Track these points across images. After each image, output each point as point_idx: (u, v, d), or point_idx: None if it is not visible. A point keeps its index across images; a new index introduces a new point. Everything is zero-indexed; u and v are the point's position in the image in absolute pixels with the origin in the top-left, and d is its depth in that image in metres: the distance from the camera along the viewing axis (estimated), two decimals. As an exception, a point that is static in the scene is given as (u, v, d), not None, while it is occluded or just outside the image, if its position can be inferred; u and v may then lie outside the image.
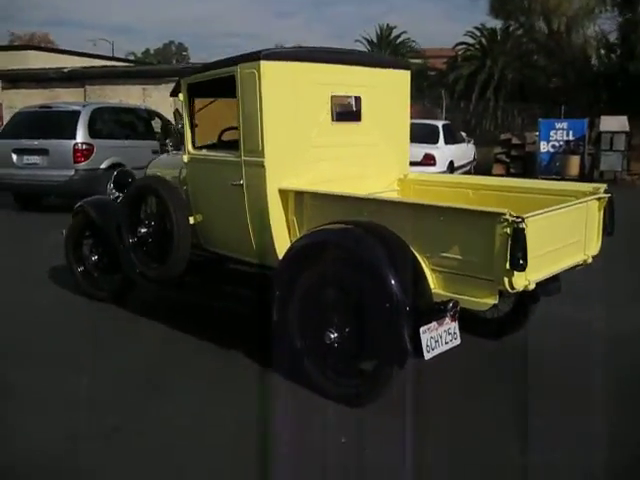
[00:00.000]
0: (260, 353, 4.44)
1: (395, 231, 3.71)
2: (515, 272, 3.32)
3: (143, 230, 5.14)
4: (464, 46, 43.63)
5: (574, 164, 15.48)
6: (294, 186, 4.30)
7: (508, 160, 17.36)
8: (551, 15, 22.97)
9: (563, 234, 3.88)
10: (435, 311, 3.53)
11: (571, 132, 15.94)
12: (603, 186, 4.23)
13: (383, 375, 3.66)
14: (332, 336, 3.82)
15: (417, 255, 3.67)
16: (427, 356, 3.50)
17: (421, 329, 3.47)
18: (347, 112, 4.74)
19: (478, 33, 43.82)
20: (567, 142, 15.79)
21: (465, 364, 4.37)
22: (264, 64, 4.14)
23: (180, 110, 5.03)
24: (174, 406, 3.86)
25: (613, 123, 14.97)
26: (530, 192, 4.51)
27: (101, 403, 3.90)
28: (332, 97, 4.55)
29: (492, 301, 3.45)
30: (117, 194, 6.05)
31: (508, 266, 3.31)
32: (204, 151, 4.95)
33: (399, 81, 5.05)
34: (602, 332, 4.94)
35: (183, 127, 4.96)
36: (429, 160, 12.51)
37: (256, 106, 4.21)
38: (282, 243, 4.35)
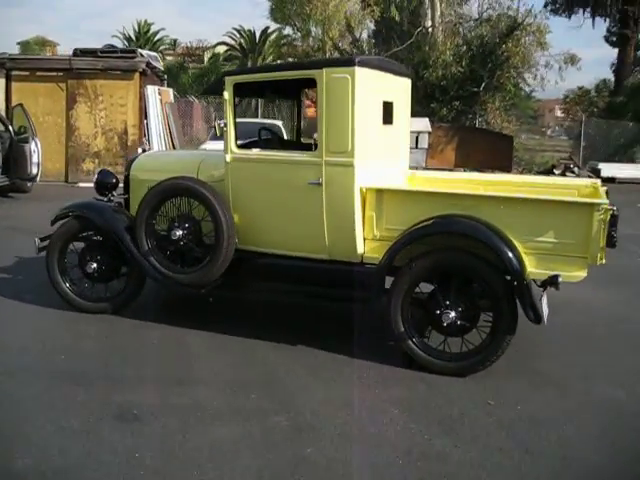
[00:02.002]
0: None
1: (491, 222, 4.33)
2: (605, 249, 4.20)
3: (176, 233, 4.94)
4: (225, 46, 44.94)
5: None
6: (374, 184, 4.65)
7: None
8: (327, 22, 24.82)
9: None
10: (546, 283, 4.24)
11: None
12: (598, 182, 5.34)
13: (501, 346, 4.27)
14: (450, 316, 4.32)
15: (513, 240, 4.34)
16: (545, 321, 4.21)
17: (543, 298, 4.17)
18: (387, 115, 5.17)
19: (237, 35, 45.54)
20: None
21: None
22: (358, 70, 4.43)
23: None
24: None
25: (418, 124, 17.12)
26: (537, 187, 5.43)
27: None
28: (383, 102, 4.98)
29: (584, 274, 4.27)
30: (109, 196, 5.59)
31: (602, 244, 4.17)
32: (256, 151, 4.97)
33: (407, 88, 5.62)
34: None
35: (226, 126, 4.90)
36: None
37: (347, 109, 4.46)
38: (361, 239, 4.67)
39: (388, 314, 4.51)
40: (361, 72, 4.46)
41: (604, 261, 4.26)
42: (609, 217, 4.15)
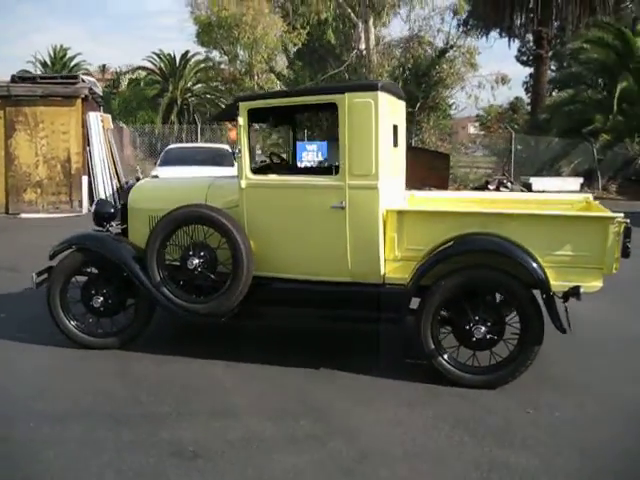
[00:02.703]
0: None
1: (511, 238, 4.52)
2: (619, 259, 4.47)
3: (193, 262, 4.85)
4: (144, 71, 44.29)
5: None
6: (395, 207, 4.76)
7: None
8: (255, 46, 24.93)
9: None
10: (568, 295, 4.45)
11: (320, 153, 18.00)
12: (589, 196, 5.67)
13: (530, 356, 4.44)
14: (481, 330, 4.45)
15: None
16: (569, 331, 4.41)
17: (568, 309, 4.38)
18: (395, 138, 5.29)
19: (157, 59, 45.02)
20: (320, 162, 17.79)
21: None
22: (380, 95, 4.54)
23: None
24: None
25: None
26: (530, 203, 5.70)
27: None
28: (393, 126, 5.10)
29: (600, 284, 4.52)
30: (107, 227, 5.41)
31: (617, 255, 4.43)
32: (272, 176, 4.97)
33: (404, 111, 5.77)
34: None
35: (240, 152, 4.88)
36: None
37: (370, 132, 4.57)
38: (382, 260, 4.75)
39: (418, 333, 4.60)
40: (382, 97, 4.58)
41: (617, 270, 4.53)
42: (623, 229, 4.42)
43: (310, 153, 20.72)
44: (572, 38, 26.72)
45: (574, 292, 4.42)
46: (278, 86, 24.31)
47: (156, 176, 12.96)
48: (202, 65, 38.41)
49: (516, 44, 34.99)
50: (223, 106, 27.01)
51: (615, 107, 19.22)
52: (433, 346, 4.58)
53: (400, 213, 4.76)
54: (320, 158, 21.72)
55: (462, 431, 3.90)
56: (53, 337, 5.30)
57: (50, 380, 4.68)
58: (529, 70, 37.74)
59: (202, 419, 4.02)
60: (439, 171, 19.19)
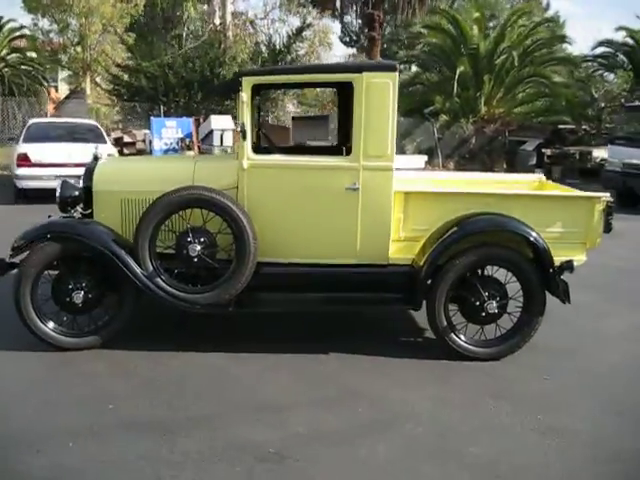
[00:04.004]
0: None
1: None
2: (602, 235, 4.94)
3: (195, 249, 4.48)
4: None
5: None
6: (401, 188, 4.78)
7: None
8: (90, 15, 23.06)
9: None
10: (562, 269, 4.82)
11: (180, 130, 17.23)
12: (542, 176, 6.15)
13: (534, 327, 4.75)
14: (493, 305, 4.67)
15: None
16: (568, 301, 4.79)
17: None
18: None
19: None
20: (181, 139, 17.01)
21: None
22: (396, 75, 4.50)
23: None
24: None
25: (222, 122, 16.97)
26: (498, 183, 6.02)
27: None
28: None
29: (585, 258, 4.97)
30: (72, 213, 4.77)
31: (601, 230, 4.91)
32: (277, 156, 4.71)
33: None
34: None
35: (241, 130, 4.57)
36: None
37: (387, 113, 4.54)
38: (390, 241, 4.78)
39: (432, 312, 4.70)
40: (396, 77, 4.55)
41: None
42: (605, 207, 4.89)
43: (169, 129, 19.78)
44: (407, 22, 28.25)
45: (568, 266, 4.80)
46: (115, 59, 22.72)
47: (24, 154, 11.60)
48: (17, 33, 34.44)
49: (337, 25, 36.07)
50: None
51: (455, 90, 20.73)
52: (446, 323, 4.72)
53: (407, 194, 4.80)
54: (180, 135, 20.89)
55: (503, 402, 4.09)
56: (20, 341, 4.61)
57: (49, 391, 4.04)
58: (352, 51, 39.33)
59: (254, 416, 3.77)
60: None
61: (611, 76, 24.37)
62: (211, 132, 16.92)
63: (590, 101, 21.23)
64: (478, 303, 4.71)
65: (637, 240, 9.73)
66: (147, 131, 17.32)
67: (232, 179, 4.70)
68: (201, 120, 17.96)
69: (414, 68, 26.72)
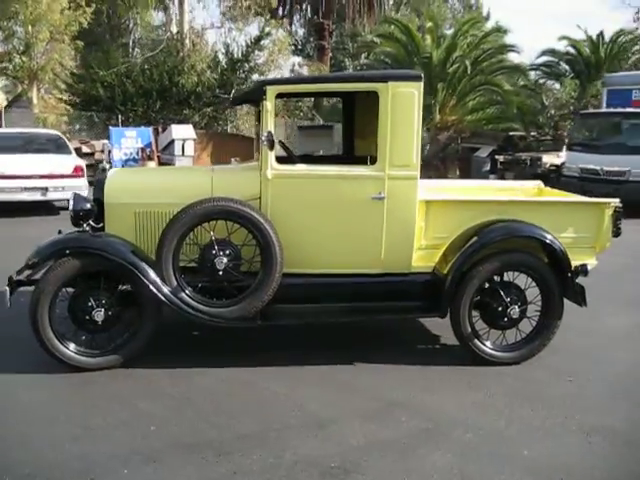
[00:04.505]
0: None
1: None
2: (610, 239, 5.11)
3: (222, 261, 4.38)
4: None
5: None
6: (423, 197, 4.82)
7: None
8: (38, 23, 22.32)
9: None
10: (577, 272, 4.95)
11: (140, 139, 16.87)
12: (541, 184, 6.29)
13: (553, 330, 4.86)
14: (515, 310, 4.75)
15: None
16: (585, 304, 4.91)
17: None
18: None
19: None
20: (141, 149, 16.64)
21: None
22: (421, 85, 4.54)
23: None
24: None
25: (184, 131, 16.70)
26: (499, 190, 6.12)
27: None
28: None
29: (595, 262, 5.12)
30: (84, 227, 4.58)
31: (610, 235, 5.07)
32: (302, 166, 4.66)
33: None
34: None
35: (268, 139, 4.49)
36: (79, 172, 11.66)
37: (412, 123, 4.56)
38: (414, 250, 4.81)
39: (456, 319, 4.74)
40: (422, 87, 4.58)
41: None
42: (614, 212, 5.05)
43: (129, 139, 19.42)
44: (353, 31, 28.55)
45: (583, 269, 4.94)
46: (62, 66, 22.07)
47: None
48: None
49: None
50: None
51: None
52: (470, 330, 4.77)
53: (428, 202, 4.84)
54: (140, 144, 20.56)
55: (538, 404, 4.16)
56: (32, 363, 4.41)
57: (81, 417, 3.84)
58: (298, 59, 39.48)
59: (304, 431, 3.71)
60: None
61: (557, 85, 25.28)
62: (172, 142, 16.65)
63: (541, 108, 21.93)
64: (501, 308, 4.79)
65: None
66: (106, 141, 16.89)
67: (254, 190, 4.62)
68: (160, 129, 17.62)
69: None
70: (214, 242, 4.42)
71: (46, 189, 10.96)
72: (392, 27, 23.17)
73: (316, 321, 4.89)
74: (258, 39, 19.84)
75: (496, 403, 4.19)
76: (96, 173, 4.71)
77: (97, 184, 4.87)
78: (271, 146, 4.48)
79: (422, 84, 4.54)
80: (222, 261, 4.38)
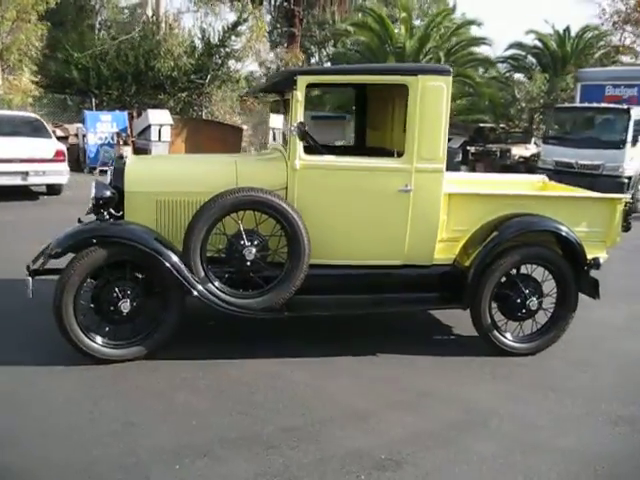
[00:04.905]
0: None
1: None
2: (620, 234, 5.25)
3: (251, 252, 4.35)
4: None
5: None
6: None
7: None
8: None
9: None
10: (590, 266, 5.07)
11: (115, 124, 16.48)
12: (546, 178, 6.41)
13: (568, 322, 4.98)
14: (534, 302, 4.86)
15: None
16: (598, 297, 5.04)
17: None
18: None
19: None
20: (117, 134, 16.26)
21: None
22: (450, 79, 4.57)
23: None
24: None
25: (160, 117, 16.36)
26: (504, 183, 6.22)
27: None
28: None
29: (606, 255, 5.26)
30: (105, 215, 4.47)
31: (620, 230, 5.21)
32: (330, 157, 4.63)
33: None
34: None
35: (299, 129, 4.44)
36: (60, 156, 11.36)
37: (440, 116, 4.59)
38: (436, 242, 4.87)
39: (477, 310, 4.82)
40: (451, 81, 4.61)
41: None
42: (625, 207, 5.19)
43: (105, 123, 19.08)
44: (322, 19, 28.42)
45: (595, 263, 5.06)
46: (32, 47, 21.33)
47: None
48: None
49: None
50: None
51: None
52: (490, 321, 4.85)
53: (450, 196, 4.88)
54: (115, 129, 20.19)
55: (563, 395, 4.28)
56: (57, 355, 4.32)
57: (121, 412, 3.76)
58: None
59: (346, 424, 3.73)
60: (231, 144, 19.14)
61: (523, 78, 25.71)
62: (149, 127, 16.32)
63: (512, 101, 22.29)
64: (519, 300, 4.89)
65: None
66: (80, 125, 16.45)
67: (281, 180, 4.59)
68: (134, 114, 17.25)
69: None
70: (242, 232, 4.39)
71: (26, 173, 10.65)
72: (366, 16, 23.19)
73: (341, 313, 4.90)
74: (235, 24, 19.57)
75: (522, 393, 4.29)
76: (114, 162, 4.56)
77: (115, 172, 4.76)
78: (302, 137, 4.45)
79: (451, 78, 4.58)
80: (251, 252, 4.36)
